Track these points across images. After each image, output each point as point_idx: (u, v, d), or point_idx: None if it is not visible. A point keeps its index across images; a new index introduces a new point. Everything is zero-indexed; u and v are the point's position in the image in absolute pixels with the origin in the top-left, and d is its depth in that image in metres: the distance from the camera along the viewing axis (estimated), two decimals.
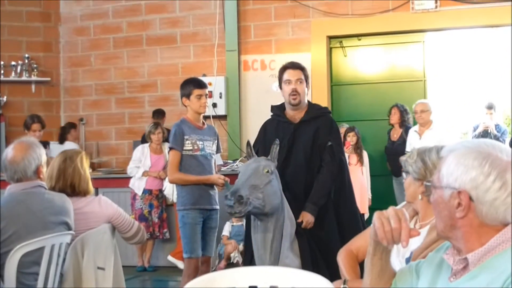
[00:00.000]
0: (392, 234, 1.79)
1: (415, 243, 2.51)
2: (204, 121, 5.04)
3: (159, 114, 8.48)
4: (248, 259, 4.24)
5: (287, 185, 4.02)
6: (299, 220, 3.96)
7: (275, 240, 3.64)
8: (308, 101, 4.45)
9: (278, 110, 4.44)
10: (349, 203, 4.37)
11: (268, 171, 3.61)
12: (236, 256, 7.22)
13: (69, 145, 8.34)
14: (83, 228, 3.57)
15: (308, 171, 4.19)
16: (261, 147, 4.27)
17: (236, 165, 7.88)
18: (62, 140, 8.58)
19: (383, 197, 8.07)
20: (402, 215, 1.81)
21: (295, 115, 4.35)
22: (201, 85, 4.93)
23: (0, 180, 6.24)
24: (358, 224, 4.35)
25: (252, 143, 4.10)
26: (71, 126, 8.73)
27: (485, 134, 8.24)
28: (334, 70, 8.87)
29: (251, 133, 8.11)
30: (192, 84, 4.91)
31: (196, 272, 4.79)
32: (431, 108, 7.52)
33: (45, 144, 7.11)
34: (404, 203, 2.93)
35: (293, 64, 4.39)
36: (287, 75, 4.31)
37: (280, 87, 4.38)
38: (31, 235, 3.23)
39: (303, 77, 4.33)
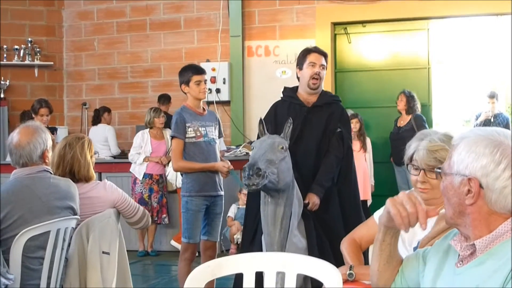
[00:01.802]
0: (409, 218, 1.81)
1: (422, 232, 2.50)
2: (204, 107, 5.02)
3: (164, 99, 8.47)
4: (248, 241, 4.26)
5: (296, 166, 4.04)
6: (306, 201, 4.00)
7: (285, 217, 3.68)
8: None
9: (291, 92, 4.44)
10: (353, 189, 4.41)
11: (282, 148, 3.65)
12: (238, 238, 7.24)
13: (102, 127, 8.60)
14: (88, 212, 3.59)
15: (318, 155, 4.22)
16: (271, 127, 4.25)
17: (239, 150, 7.87)
18: (95, 122, 8.71)
19: (386, 183, 8.09)
20: (415, 198, 1.83)
21: (308, 98, 4.35)
22: (199, 71, 4.90)
23: (5, 165, 6.27)
24: (360, 210, 4.40)
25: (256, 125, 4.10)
26: (105, 109, 8.80)
27: (487, 123, 8.22)
28: (338, 57, 8.85)
29: (255, 119, 8.11)
30: (191, 71, 4.87)
31: (193, 256, 4.86)
32: None
33: (53, 130, 7.11)
34: (412, 189, 2.91)
35: (318, 48, 4.40)
36: (313, 58, 4.30)
37: (300, 69, 4.36)
38: (37, 220, 3.23)
39: (325, 64, 4.35)
